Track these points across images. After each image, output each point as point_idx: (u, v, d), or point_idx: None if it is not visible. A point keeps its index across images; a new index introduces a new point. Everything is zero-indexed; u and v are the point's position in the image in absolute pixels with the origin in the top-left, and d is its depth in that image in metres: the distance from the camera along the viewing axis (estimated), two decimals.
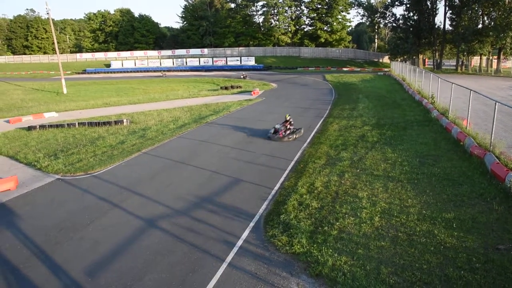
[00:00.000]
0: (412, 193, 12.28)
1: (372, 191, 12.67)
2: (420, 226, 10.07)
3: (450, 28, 69.45)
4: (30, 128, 27.10)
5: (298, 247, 9.53)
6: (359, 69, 74.60)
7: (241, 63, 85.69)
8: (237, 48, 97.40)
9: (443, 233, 9.65)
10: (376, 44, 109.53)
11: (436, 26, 70.63)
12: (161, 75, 63.90)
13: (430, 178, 13.43)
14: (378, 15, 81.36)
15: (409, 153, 16.71)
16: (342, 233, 10.05)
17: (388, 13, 78.45)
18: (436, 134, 19.74)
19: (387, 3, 78.70)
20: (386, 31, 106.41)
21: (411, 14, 72.63)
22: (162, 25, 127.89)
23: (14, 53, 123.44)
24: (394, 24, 78.45)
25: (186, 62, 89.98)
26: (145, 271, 8.93)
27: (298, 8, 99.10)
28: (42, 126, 27.28)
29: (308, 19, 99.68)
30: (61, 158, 19.02)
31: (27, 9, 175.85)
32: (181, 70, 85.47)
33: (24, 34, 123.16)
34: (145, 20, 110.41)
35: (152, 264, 9.22)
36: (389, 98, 33.68)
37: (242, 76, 62.77)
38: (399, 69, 53.72)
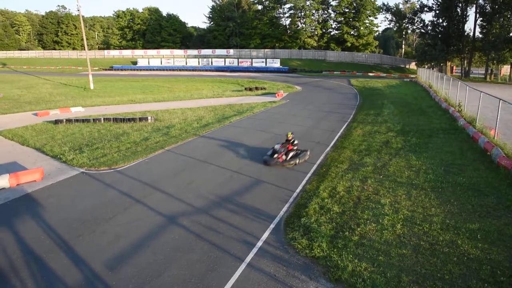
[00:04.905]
0: (436, 201, 12.07)
1: (395, 198, 12.50)
2: (443, 236, 9.89)
3: (480, 35, 68.11)
4: (57, 122, 27.61)
5: (318, 251, 9.47)
6: (385, 74, 73.80)
7: (266, 64, 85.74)
8: (263, 49, 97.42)
9: (467, 243, 9.46)
10: (403, 50, 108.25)
11: (465, 33, 69.41)
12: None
13: (454, 188, 13.18)
14: (406, 20, 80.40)
15: (434, 161, 16.44)
16: (363, 239, 9.95)
17: (416, 19, 77.53)
18: (462, 143, 19.36)
19: (415, 8, 77.74)
20: (414, 37, 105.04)
21: (440, 20, 71.49)
22: (189, 25, 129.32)
23: (44, 48, 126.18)
24: (422, 30, 77.43)
25: (211, 62, 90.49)
26: (164, 267, 9.00)
27: (325, 12, 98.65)
28: (69, 120, 27.76)
29: (335, 22, 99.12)
30: (86, 152, 19.34)
31: (58, 6, 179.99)
32: (206, 70, 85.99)
33: (54, 29, 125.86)
34: (172, 19, 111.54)
35: (171, 261, 9.28)
36: (414, 105, 33.22)
37: None
38: (426, 76, 52.94)
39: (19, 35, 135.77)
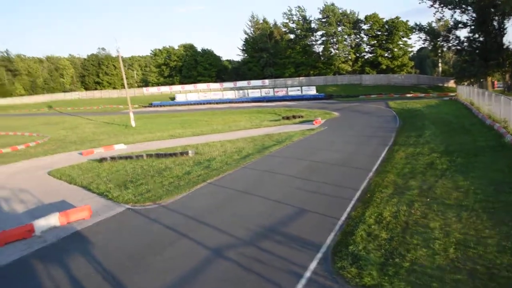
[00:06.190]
0: (489, 223, 11.59)
1: (445, 221, 12.11)
2: (500, 259, 9.46)
3: None
4: (101, 160, 28.52)
5: (369, 279, 9.25)
6: (423, 94, 72.47)
7: (302, 92, 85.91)
8: (298, 78, 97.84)
9: None
10: (440, 68, 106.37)
11: (504, 47, 67.45)
12: None
13: (508, 207, 12.63)
14: (440, 38, 79.04)
15: (483, 180, 15.84)
16: (415, 265, 9.65)
17: (451, 36, 76.08)
18: (511, 160, 18.63)
19: (449, 26, 76.45)
20: (450, 55, 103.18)
21: (477, 35, 69.89)
22: (223, 58, 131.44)
23: (86, 89, 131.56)
24: (458, 47, 75.81)
25: (247, 94, 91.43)
26: None
27: (358, 36, 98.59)
28: (112, 158, 28.64)
29: (368, 46, 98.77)
30: (130, 189, 19.84)
31: (98, 48, 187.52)
32: (243, 102, 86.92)
33: (95, 71, 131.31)
34: (207, 54, 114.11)
35: None
36: (457, 124, 32.37)
37: None
38: (466, 93, 51.68)
39: (63, 78, 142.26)
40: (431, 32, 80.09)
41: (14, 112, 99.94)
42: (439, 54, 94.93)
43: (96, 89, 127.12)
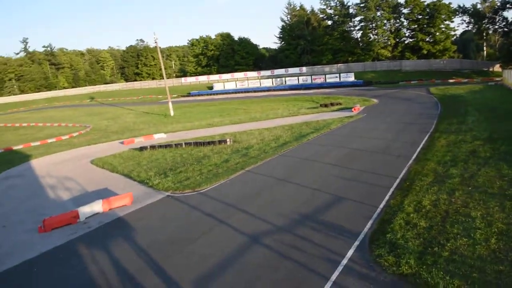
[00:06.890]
0: None
1: (487, 210, 11.81)
2: None
3: None
4: (141, 149, 29.22)
5: (406, 268, 9.19)
6: (466, 80, 70.05)
7: (340, 79, 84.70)
8: (336, 64, 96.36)
9: None
10: (484, 52, 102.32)
11: None
12: None
13: None
14: (486, 21, 76.00)
15: None
16: (454, 255, 9.51)
17: (498, 18, 72.98)
18: None
19: (496, 7, 73.33)
20: (496, 37, 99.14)
21: None
22: (260, 46, 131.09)
23: (126, 80, 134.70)
24: (505, 29, 72.67)
25: (285, 81, 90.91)
26: (250, 287, 9.15)
27: (398, 21, 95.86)
28: (152, 147, 29.29)
29: (408, 31, 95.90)
30: (170, 176, 20.29)
31: (137, 40, 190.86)
32: (280, 90, 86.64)
33: (135, 62, 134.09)
34: (244, 43, 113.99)
35: (257, 280, 9.44)
36: (502, 110, 31.16)
37: None
38: None
39: (104, 70, 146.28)
40: (475, 14, 77.07)
41: (58, 104, 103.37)
42: (484, 37, 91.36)
43: (135, 80, 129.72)
